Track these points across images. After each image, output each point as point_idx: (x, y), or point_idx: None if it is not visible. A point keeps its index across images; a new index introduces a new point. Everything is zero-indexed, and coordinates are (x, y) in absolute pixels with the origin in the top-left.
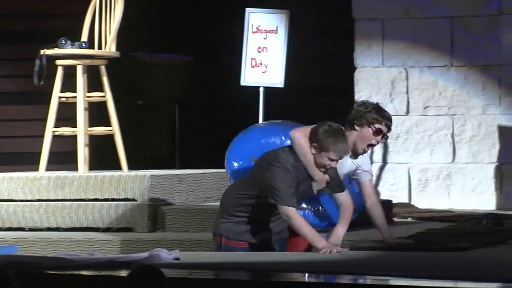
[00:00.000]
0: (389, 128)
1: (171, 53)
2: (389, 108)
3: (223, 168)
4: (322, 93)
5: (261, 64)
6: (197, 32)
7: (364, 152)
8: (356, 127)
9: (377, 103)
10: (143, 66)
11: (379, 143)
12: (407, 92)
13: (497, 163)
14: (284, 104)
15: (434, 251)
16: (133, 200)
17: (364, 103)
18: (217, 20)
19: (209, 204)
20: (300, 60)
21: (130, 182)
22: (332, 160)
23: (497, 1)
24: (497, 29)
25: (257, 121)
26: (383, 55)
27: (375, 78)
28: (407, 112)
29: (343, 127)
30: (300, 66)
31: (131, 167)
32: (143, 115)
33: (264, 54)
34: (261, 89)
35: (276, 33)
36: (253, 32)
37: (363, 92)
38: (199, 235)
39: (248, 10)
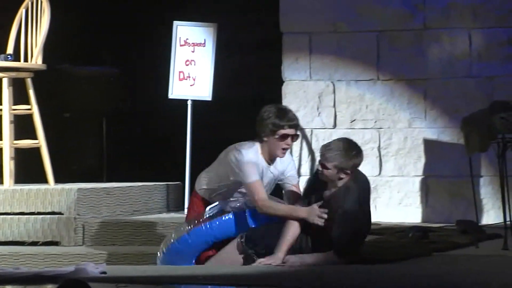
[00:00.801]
0: (294, 127)
1: (99, 65)
2: (316, 121)
3: (150, 181)
4: (250, 106)
5: (189, 77)
6: (125, 44)
7: (283, 156)
8: (264, 138)
9: (277, 105)
10: (69, 78)
11: (295, 143)
12: (334, 106)
13: (422, 176)
14: (213, 117)
15: (361, 264)
16: (60, 213)
17: (265, 110)
18: (146, 32)
19: (136, 217)
20: (228, 73)
21: (57, 195)
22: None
23: (422, 16)
24: (422, 43)
25: (185, 134)
26: (311, 69)
27: (302, 91)
28: (334, 125)
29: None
30: (228, 79)
31: (58, 180)
32: (70, 128)
33: (192, 67)
34: (189, 102)
35: (204, 46)
36: (181, 45)
37: (291, 105)
38: (126, 248)
39: (176, 23)
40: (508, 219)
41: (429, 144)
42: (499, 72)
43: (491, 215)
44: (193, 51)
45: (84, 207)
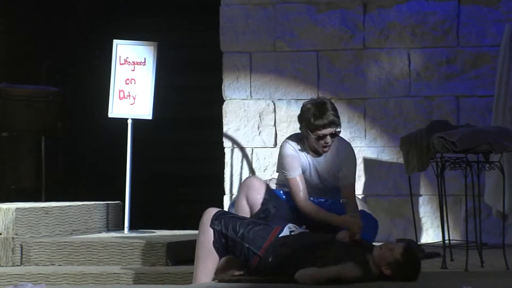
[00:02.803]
0: (330, 127)
1: (37, 84)
2: (257, 140)
3: (90, 200)
4: (191, 125)
5: (129, 96)
6: (65, 63)
7: (323, 151)
8: (304, 132)
9: (317, 102)
10: (6, 97)
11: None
12: (274, 125)
13: (362, 195)
14: (153, 136)
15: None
16: None
17: (305, 107)
18: (85, 51)
19: (75, 237)
20: (169, 92)
21: None
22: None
23: (362, 35)
24: (362, 62)
25: (126, 153)
26: (251, 88)
27: (243, 110)
28: (275, 144)
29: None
30: (169, 98)
31: None
32: (8, 147)
33: (132, 86)
34: (129, 121)
35: (144, 65)
36: (121, 64)
37: (231, 124)
38: (65, 268)
39: (115, 41)
40: (447, 238)
41: (368, 163)
42: (438, 92)
43: (430, 234)
44: (133, 70)
45: (22, 227)
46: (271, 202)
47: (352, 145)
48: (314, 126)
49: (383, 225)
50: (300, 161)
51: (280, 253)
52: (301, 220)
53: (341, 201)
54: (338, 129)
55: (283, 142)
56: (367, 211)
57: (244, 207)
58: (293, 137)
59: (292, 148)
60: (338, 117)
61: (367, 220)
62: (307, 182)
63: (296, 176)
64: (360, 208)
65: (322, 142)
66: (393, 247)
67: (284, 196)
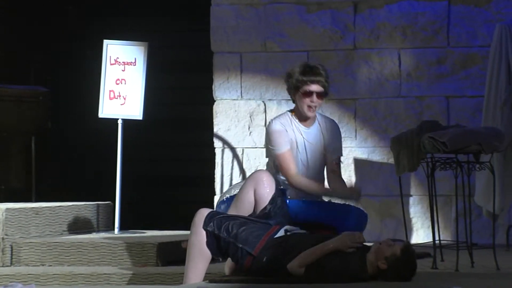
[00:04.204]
0: (318, 83)
1: (27, 84)
2: (247, 141)
3: (80, 201)
4: (181, 125)
5: (119, 96)
6: (55, 63)
7: (310, 114)
8: (292, 97)
9: (305, 62)
10: None
11: (321, 102)
12: (265, 125)
13: None
14: (144, 136)
15: (291, 282)
16: None
17: (292, 67)
18: (76, 51)
19: (66, 237)
20: (159, 92)
21: None
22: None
23: (352, 36)
24: (353, 63)
25: (116, 153)
26: (242, 88)
27: (234, 110)
28: None
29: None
30: (159, 98)
31: None
32: None
33: (123, 86)
34: (119, 121)
35: (135, 65)
36: (111, 64)
37: (222, 124)
38: (55, 269)
39: (106, 41)
40: (437, 238)
41: (359, 164)
42: (428, 92)
43: (420, 234)
44: (123, 70)
45: (12, 227)
46: (276, 200)
47: (343, 146)
48: (302, 81)
49: (374, 225)
50: (288, 137)
51: (274, 253)
52: (300, 220)
53: (326, 178)
54: (326, 91)
55: (270, 121)
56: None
57: (249, 199)
58: (280, 115)
59: (279, 124)
60: (327, 81)
61: (355, 214)
62: (296, 159)
63: (284, 151)
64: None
65: (308, 100)
66: (393, 244)
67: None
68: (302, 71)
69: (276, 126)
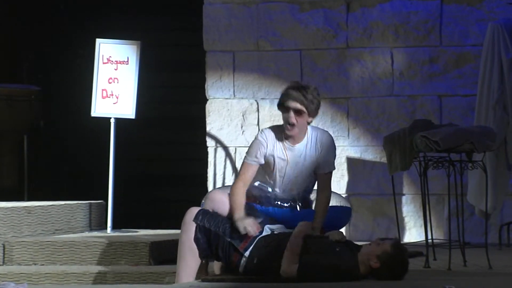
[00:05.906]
0: (297, 101)
1: (19, 83)
2: (240, 140)
3: (72, 200)
4: (174, 124)
5: (112, 95)
6: (46, 62)
7: (289, 132)
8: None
9: (296, 81)
10: None
11: (302, 122)
12: (258, 124)
13: (345, 194)
14: (137, 135)
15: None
16: None
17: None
18: (68, 50)
19: (58, 236)
20: (152, 91)
21: None
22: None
23: (345, 35)
24: (345, 62)
25: (109, 152)
26: (234, 87)
27: (226, 109)
28: None
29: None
30: (151, 97)
31: None
32: None
33: (115, 85)
34: (112, 120)
35: (127, 64)
36: (104, 63)
37: (215, 123)
38: (48, 268)
39: (98, 40)
40: (430, 237)
41: (351, 163)
42: (421, 91)
43: (413, 233)
44: (116, 69)
45: (5, 226)
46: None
47: (336, 145)
48: (284, 95)
49: (366, 224)
50: (264, 151)
51: (265, 253)
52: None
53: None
54: (305, 110)
55: (263, 128)
56: (339, 204)
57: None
58: (273, 127)
59: (263, 136)
60: (312, 102)
61: (336, 213)
62: (278, 173)
63: (248, 162)
64: (335, 203)
65: (286, 115)
66: (382, 242)
67: (259, 206)
68: (289, 87)
69: (260, 137)
